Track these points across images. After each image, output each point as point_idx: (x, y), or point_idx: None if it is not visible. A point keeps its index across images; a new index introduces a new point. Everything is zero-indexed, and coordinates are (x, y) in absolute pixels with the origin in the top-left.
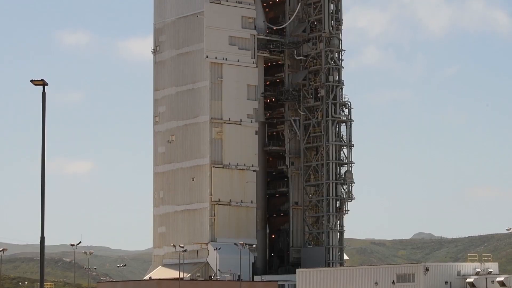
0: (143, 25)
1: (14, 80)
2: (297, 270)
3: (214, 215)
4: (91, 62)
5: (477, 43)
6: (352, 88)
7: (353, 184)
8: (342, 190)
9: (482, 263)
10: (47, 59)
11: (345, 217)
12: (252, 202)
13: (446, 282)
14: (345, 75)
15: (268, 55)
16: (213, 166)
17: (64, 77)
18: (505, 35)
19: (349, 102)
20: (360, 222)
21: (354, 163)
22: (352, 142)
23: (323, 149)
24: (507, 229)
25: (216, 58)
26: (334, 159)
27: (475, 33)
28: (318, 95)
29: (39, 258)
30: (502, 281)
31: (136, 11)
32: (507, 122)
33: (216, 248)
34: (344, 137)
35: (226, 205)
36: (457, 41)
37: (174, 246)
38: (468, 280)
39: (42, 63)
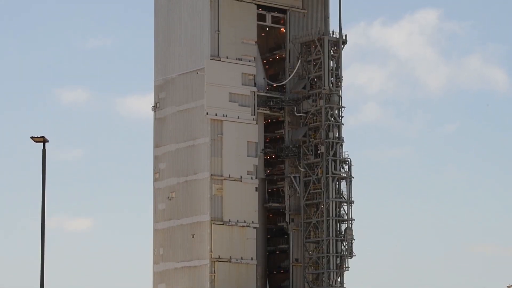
0: (143, 82)
1: (14, 136)
2: None
3: (214, 272)
4: (91, 120)
5: (475, 101)
6: (352, 144)
7: (353, 240)
8: (343, 247)
9: None
10: (47, 116)
11: (346, 274)
12: (252, 259)
13: None
14: (345, 132)
15: (268, 111)
16: (213, 223)
17: (63, 134)
18: (503, 92)
19: (349, 158)
20: (361, 279)
21: (354, 219)
22: (353, 199)
23: (323, 205)
24: (508, 286)
25: (216, 114)
26: (334, 215)
27: (473, 90)
28: (318, 152)
29: None
30: None
31: (136, 68)
32: (508, 179)
33: None
34: (344, 193)
35: (226, 262)
36: (456, 99)
37: None
38: None
39: (42, 120)
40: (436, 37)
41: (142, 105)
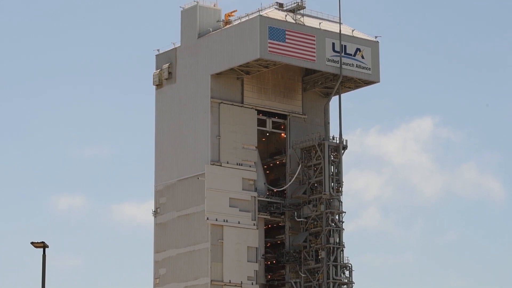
0: (140, 189)
1: (13, 242)
2: None
3: None
4: (90, 227)
5: (472, 210)
6: (352, 249)
7: None
8: None
9: None
10: (45, 223)
11: None
12: None
13: None
14: (345, 237)
15: (268, 217)
16: None
17: (62, 241)
18: (500, 201)
19: (350, 264)
20: None
21: None
22: None
23: None
24: None
25: (216, 220)
26: None
27: (469, 199)
28: (319, 257)
29: None
30: None
31: (132, 175)
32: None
33: None
34: None
35: None
36: (452, 207)
37: None
38: None
39: (40, 228)
40: (431, 144)
41: (140, 211)
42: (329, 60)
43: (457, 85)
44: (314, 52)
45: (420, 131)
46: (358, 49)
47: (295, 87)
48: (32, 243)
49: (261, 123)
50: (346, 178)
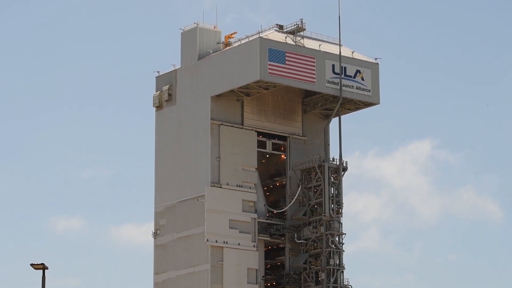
0: (139, 211)
1: (12, 264)
2: None
3: None
4: (89, 249)
5: (471, 232)
6: (353, 271)
7: None
8: None
9: None
10: (44, 245)
11: None
12: None
13: None
14: (345, 258)
15: (268, 238)
16: None
17: (61, 263)
18: (498, 223)
19: (350, 285)
20: None
21: None
22: None
23: None
24: None
25: (216, 241)
26: None
27: (468, 222)
28: (319, 279)
29: None
30: None
31: (130, 196)
32: None
33: None
34: None
35: None
36: (450, 229)
37: None
38: None
39: (39, 250)
40: (429, 167)
41: (140, 232)
42: (329, 82)
43: (456, 107)
44: (314, 74)
45: (418, 153)
46: (358, 71)
47: (295, 109)
48: (31, 264)
49: (261, 144)
50: (345, 200)
